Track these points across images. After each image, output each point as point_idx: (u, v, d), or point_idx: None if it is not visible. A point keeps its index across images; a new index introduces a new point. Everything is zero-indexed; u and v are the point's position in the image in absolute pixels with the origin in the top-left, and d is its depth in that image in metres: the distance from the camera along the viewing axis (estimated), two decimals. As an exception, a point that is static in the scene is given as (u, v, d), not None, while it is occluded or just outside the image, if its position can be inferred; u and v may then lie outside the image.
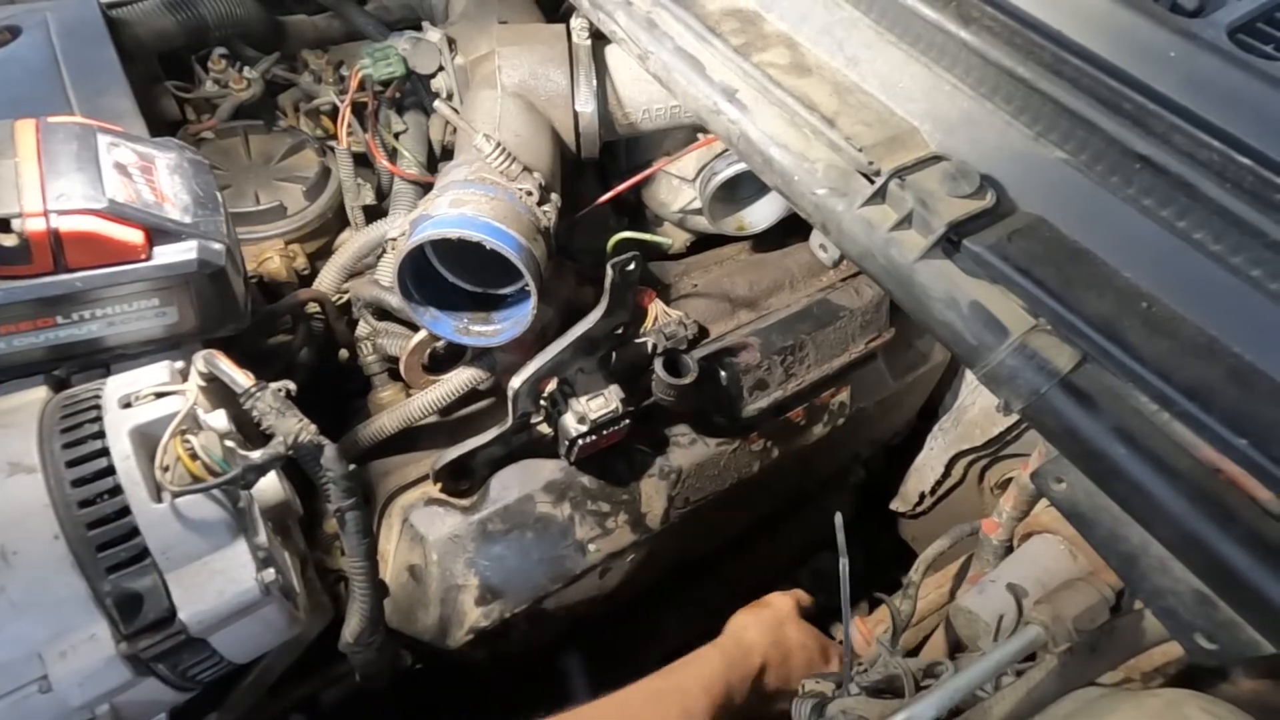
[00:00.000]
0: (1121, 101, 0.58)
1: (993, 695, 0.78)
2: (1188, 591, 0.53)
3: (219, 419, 0.66)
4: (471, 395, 0.98)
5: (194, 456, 0.61)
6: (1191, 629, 0.53)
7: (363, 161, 1.12)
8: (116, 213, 0.66)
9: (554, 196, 0.88)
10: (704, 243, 1.22)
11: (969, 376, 1.32)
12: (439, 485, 0.93)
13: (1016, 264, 0.57)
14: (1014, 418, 0.60)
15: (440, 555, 0.90)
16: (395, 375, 1.00)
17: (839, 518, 0.92)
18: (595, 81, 0.95)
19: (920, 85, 0.69)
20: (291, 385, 0.67)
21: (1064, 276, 0.57)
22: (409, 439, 0.97)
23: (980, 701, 0.78)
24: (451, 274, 0.88)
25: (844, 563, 0.89)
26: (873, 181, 0.63)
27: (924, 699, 0.72)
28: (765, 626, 0.88)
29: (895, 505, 1.45)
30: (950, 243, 0.60)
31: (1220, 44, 0.58)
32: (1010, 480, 1.21)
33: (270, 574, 0.62)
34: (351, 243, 1.02)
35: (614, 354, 0.92)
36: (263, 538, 0.66)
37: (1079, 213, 0.60)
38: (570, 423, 0.89)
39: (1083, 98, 0.59)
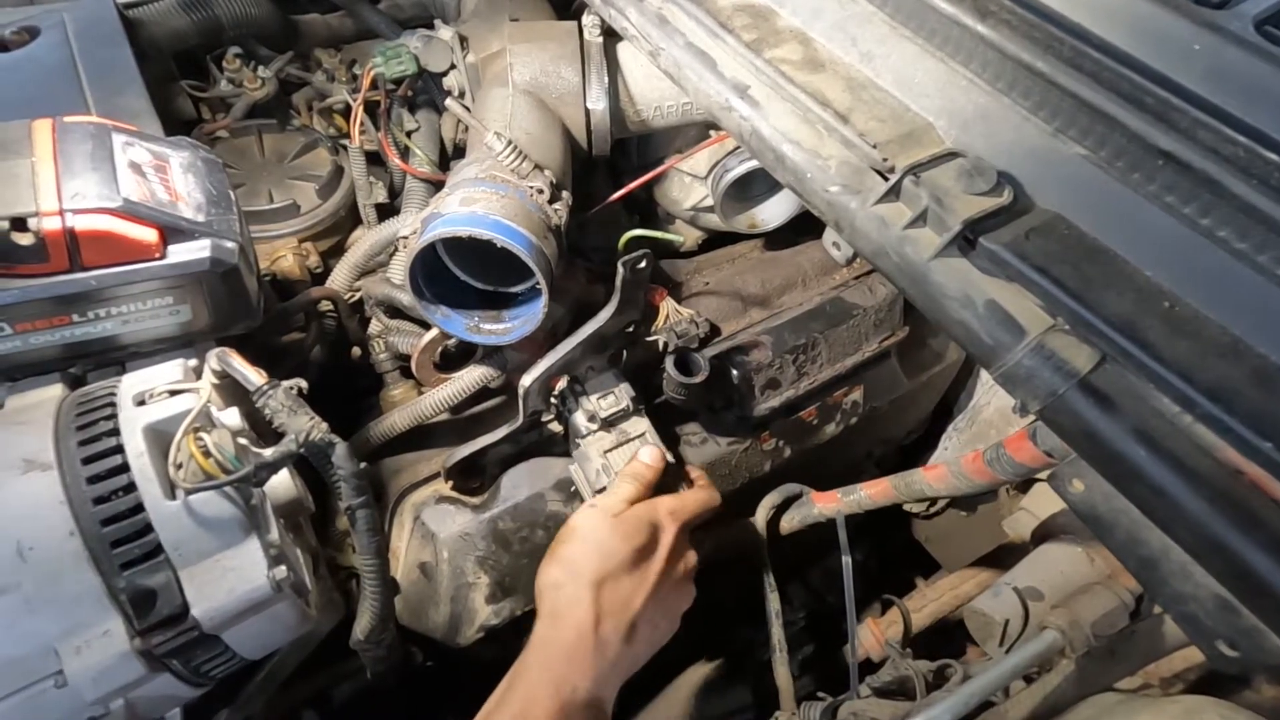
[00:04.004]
0: (1143, 96, 0.57)
1: (1007, 700, 0.78)
2: (1209, 597, 0.52)
3: (232, 417, 0.67)
4: (482, 393, 0.98)
5: (207, 454, 0.62)
6: (1213, 635, 0.52)
7: (375, 160, 1.13)
8: (131, 211, 0.67)
9: (565, 194, 0.87)
10: (716, 240, 1.21)
11: (984, 376, 1.30)
12: (450, 483, 0.93)
13: (1034, 262, 0.56)
14: (1030, 419, 0.59)
15: (451, 553, 0.90)
16: (407, 373, 1.01)
17: (840, 515, 0.91)
18: (607, 79, 0.95)
19: (935, 80, 0.68)
20: (303, 383, 0.68)
21: (1083, 275, 0.56)
22: (420, 437, 0.97)
23: (994, 706, 0.77)
24: (463, 272, 0.88)
25: (846, 561, 0.89)
26: (887, 178, 0.63)
27: (938, 703, 0.71)
28: (574, 572, 0.70)
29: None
30: (966, 240, 0.59)
31: (1246, 36, 0.56)
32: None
33: (282, 571, 0.63)
34: (364, 241, 1.02)
35: (625, 352, 0.92)
36: (275, 535, 0.66)
37: (1098, 210, 0.59)
38: (581, 421, 0.89)
39: (1103, 92, 0.58)
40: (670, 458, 0.86)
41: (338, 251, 1.08)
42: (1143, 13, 0.59)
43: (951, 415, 1.38)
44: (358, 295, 1.03)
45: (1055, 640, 0.78)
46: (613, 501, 0.75)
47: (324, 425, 0.65)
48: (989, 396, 1.30)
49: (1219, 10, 0.59)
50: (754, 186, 1.10)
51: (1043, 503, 1.16)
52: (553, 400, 0.91)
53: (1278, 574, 0.45)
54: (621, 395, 0.89)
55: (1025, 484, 1.24)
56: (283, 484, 0.73)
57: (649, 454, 0.82)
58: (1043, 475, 0.73)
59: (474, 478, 0.94)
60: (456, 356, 0.99)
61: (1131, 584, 0.85)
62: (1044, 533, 1.07)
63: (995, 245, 0.58)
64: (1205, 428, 0.49)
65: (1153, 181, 0.57)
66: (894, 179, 0.62)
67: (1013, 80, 0.63)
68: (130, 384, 0.65)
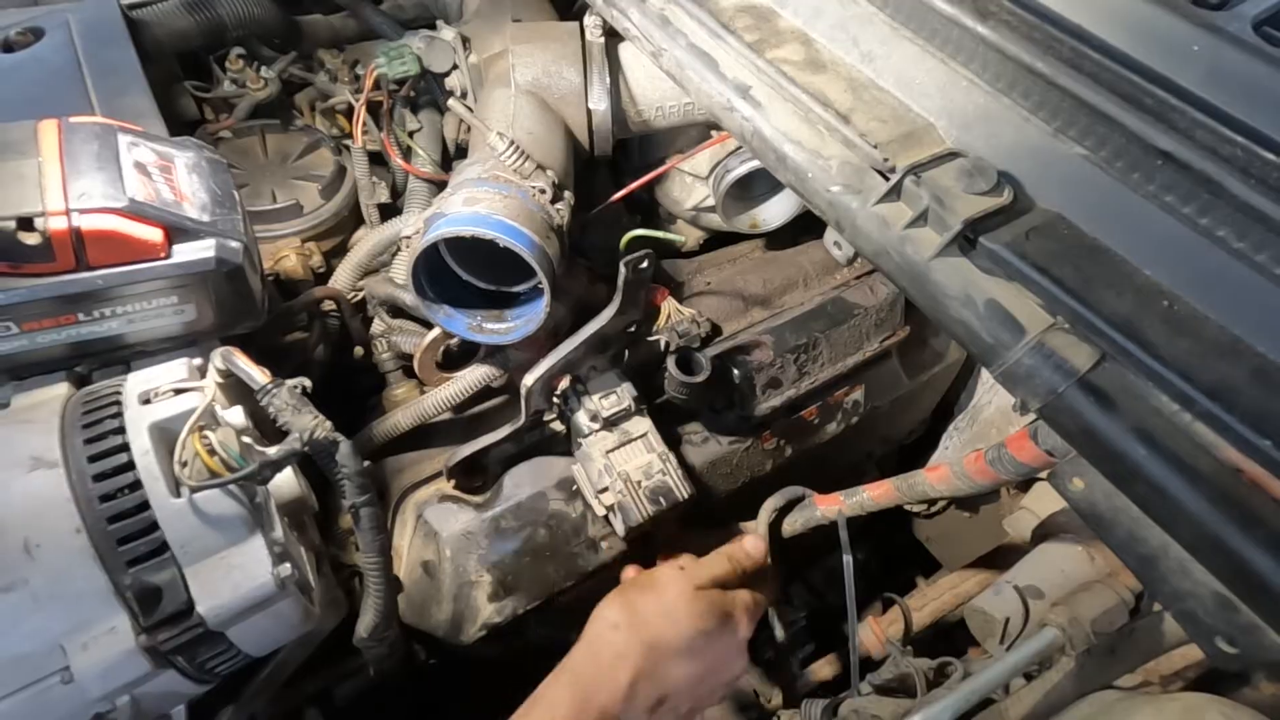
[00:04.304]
0: (1143, 96, 0.57)
1: (1007, 698, 0.78)
2: (1208, 594, 0.52)
3: (236, 415, 0.67)
4: (485, 393, 0.99)
5: (212, 452, 0.62)
6: (1212, 632, 0.52)
7: (378, 160, 1.13)
8: (137, 211, 0.67)
9: (567, 194, 0.88)
10: (717, 240, 1.22)
11: (985, 375, 1.30)
12: (452, 482, 0.93)
13: (1034, 262, 0.57)
14: (1031, 417, 0.59)
15: (453, 551, 0.91)
16: (409, 372, 1.01)
17: (841, 516, 0.91)
18: (609, 79, 0.95)
19: (936, 81, 0.68)
20: (307, 382, 0.68)
21: (1082, 274, 0.56)
22: (423, 436, 0.98)
23: (995, 703, 0.78)
24: (465, 272, 0.89)
25: (848, 560, 0.89)
26: (888, 178, 0.63)
27: (939, 701, 0.72)
28: (635, 623, 0.68)
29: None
30: (966, 240, 0.59)
31: (1245, 37, 0.56)
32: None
33: (286, 569, 0.63)
34: (366, 241, 1.03)
35: (627, 352, 0.92)
36: (279, 533, 0.66)
37: (1098, 210, 0.59)
38: (583, 420, 0.89)
39: (1103, 93, 0.59)
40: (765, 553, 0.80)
41: (341, 251, 1.08)
42: (1142, 14, 0.59)
43: (952, 415, 1.39)
44: (360, 295, 1.03)
45: (1055, 638, 0.78)
46: (701, 574, 0.73)
47: (328, 423, 0.65)
48: (989, 396, 1.30)
49: (1217, 11, 0.59)
50: (755, 187, 1.10)
51: (1043, 501, 1.16)
52: (555, 400, 0.92)
53: (1277, 571, 0.45)
54: (623, 395, 0.89)
55: (1025, 483, 1.24)
56: (286, 482, 0.73)
57: (753, 545, 0.78)
58: (1043, 474, 0.73)
59: (476, 477, 0.94)
60: (459, 356, 0.99)
61: (1131, 582, 0.86)
62: (1044, 531, 1.07)
63: (996, 245, 0.58)
64: (1204, 425, 0.50)
65: (1152, 181, 0.57)
66: (895, 179, 0.62)
67: (1013, 81, 0.64)
68: (135, 383, 0.66)
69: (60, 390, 0.69)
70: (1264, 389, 0.49)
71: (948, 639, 1.20)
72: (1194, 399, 0.50)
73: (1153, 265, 0.56)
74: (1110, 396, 0.51)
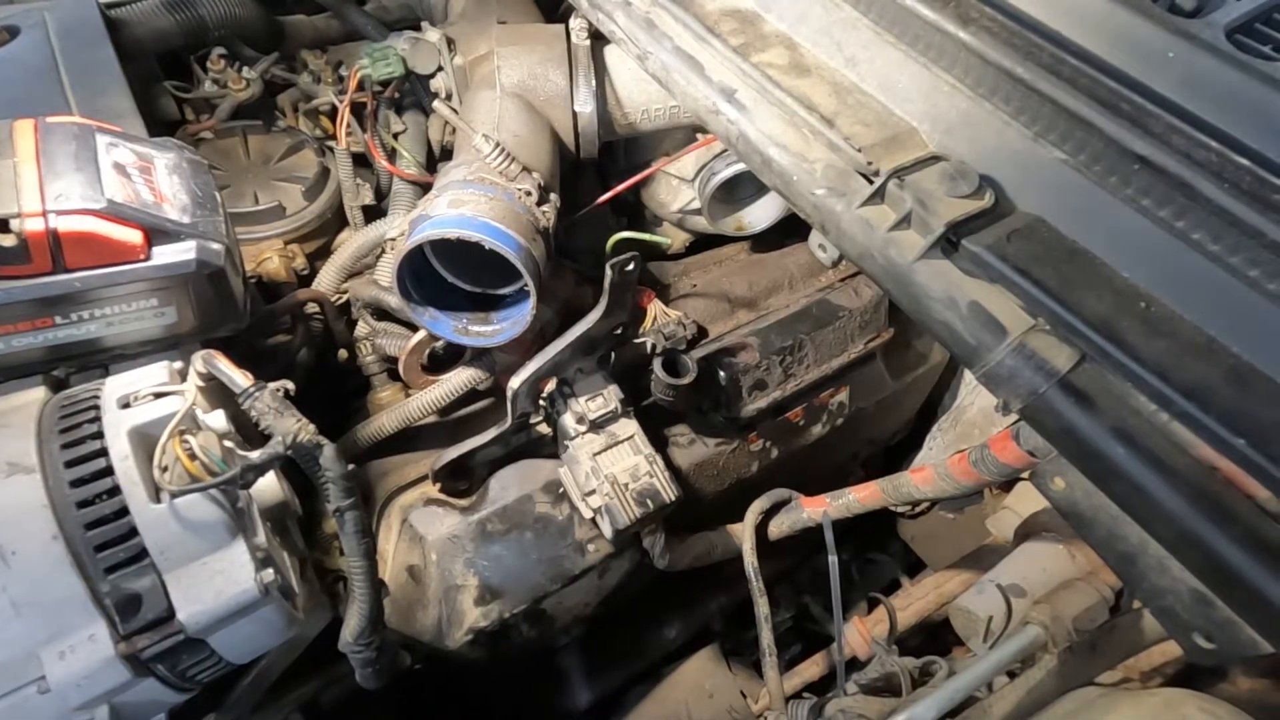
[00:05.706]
0: (1120, 102, 0.58)
1: (991, 695, 0.79)
2: (1186, 591, 0.53)
3: (217, 419, 0.66)
4: (470, 395, 0.98)
5: (192, 457, 0.61)
6: (1190, 628, 0.53)
7: (362, 162, 1.12)
8: (115, 213, 0.66)
9: (553, 196, 0.88)
10: (703, 243, 1.22)
11: (968, 377, 1.32)
12: (438, 485, 0.93)
13: (1015, 264, 0.57)
14: (1013, 418, 0.60)
15: (439, 555, 0.90)
16: (394, 375, 1.00)
17: (826, 517, 0.92)
18: (594, 82, 0.95)
19: (919, 85, 0.69)
20: (290, 385, 0.67)
21: (1062, 276, 0.57)
22: (408, 439, 0.97)
23: (979, 701, 0.78)
24: (450, 274, 0.88)
25: (833, 560, 0.89)
26: (871, 182, 0.64)
27: (924, 699, 0.72)
28: None
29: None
30: (949, 243, 0.60)
31: (1218, 44, 0.58)
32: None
33: (269, 574, 0.62)
34: (350, 243, 1.02)
35: (613, 354, 0.92)
36: (261, 538, 0.66)
37: (1077, 213, 0.60)
38: (569, 423, 0.89)
39: (1081, 98, 0.60)
40: None
41: (324, 253, 1.07)
42: (1119, 21, 0.61)
43: (935, 416, 1.40)
44: (345, 297, 1.03)
45: (1038, 635, 0.79)
46: None
47: (311, 427, 0.64)
48: (972, 397, 1.31)
49: (1192, 19, 0.60)
50: (741, 189, 1.11)
51: (1025, 501, 1.18)
52: (541, 402, 0.91)
53: (1252, 567, 0.46)
54: (610, 397, 0.89)
55: (1008, 483, 1.26)
56: (269, 486, 0.72)
57: None
58: (1025, 474, 0.74)
59: (462, 480, 0.94)
60: (444, 358, 0.99)
61: (1112, 579, 0.87)
62: (1026, 530, 1.09)
63: (977, 247, 0.59)
64: (1181, 425, 0.50)
65: (1129, 185, 0.58)
66: (879, 182, 0.63)
67: (994, 86, 0.65)
68: (114, 386, 0.65)
69: (37, 394, 0.68)
70: (1238, 389, 0.50)
71: (932, 638, 1.21)
72: (1171, 399, 0.51)
73: (1131, 267, 0.57)
74: (1090, 397, 0.52)
